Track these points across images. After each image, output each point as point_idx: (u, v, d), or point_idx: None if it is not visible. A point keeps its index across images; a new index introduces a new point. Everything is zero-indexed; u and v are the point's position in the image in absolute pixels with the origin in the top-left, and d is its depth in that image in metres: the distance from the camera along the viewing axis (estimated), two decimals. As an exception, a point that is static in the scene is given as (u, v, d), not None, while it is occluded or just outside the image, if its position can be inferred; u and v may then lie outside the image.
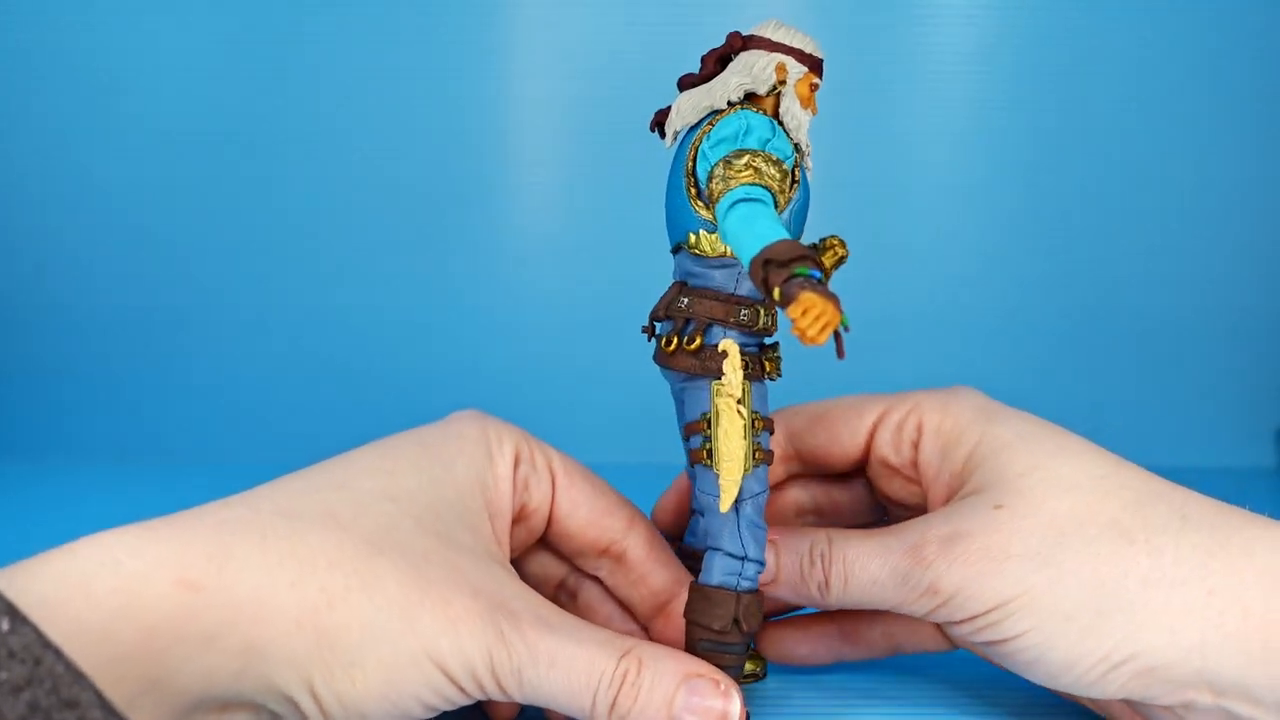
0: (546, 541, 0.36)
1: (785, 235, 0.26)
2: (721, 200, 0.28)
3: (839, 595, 0.34)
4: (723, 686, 0.30)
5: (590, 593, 0.37)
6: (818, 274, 0.25)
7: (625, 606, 0.37)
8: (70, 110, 0.79)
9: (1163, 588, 0.30)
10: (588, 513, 0.35)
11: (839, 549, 0.34)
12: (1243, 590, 0.29)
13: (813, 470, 0.40)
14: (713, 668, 0.31)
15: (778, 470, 0.40)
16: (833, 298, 0.24)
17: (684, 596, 0.34)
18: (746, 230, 0.27)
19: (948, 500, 0.35)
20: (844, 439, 0.38)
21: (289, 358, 0.81)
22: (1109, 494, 0.32)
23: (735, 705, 0.30)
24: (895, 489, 0.39)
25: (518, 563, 0.36)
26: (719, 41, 0.34)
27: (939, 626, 0.36)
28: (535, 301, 0.81)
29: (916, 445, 0.37)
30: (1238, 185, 0.79)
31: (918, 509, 0.38)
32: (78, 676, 0.20)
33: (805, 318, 0.24)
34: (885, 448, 0.38)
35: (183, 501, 0.30)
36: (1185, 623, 0.29)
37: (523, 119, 0.80)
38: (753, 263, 0.26)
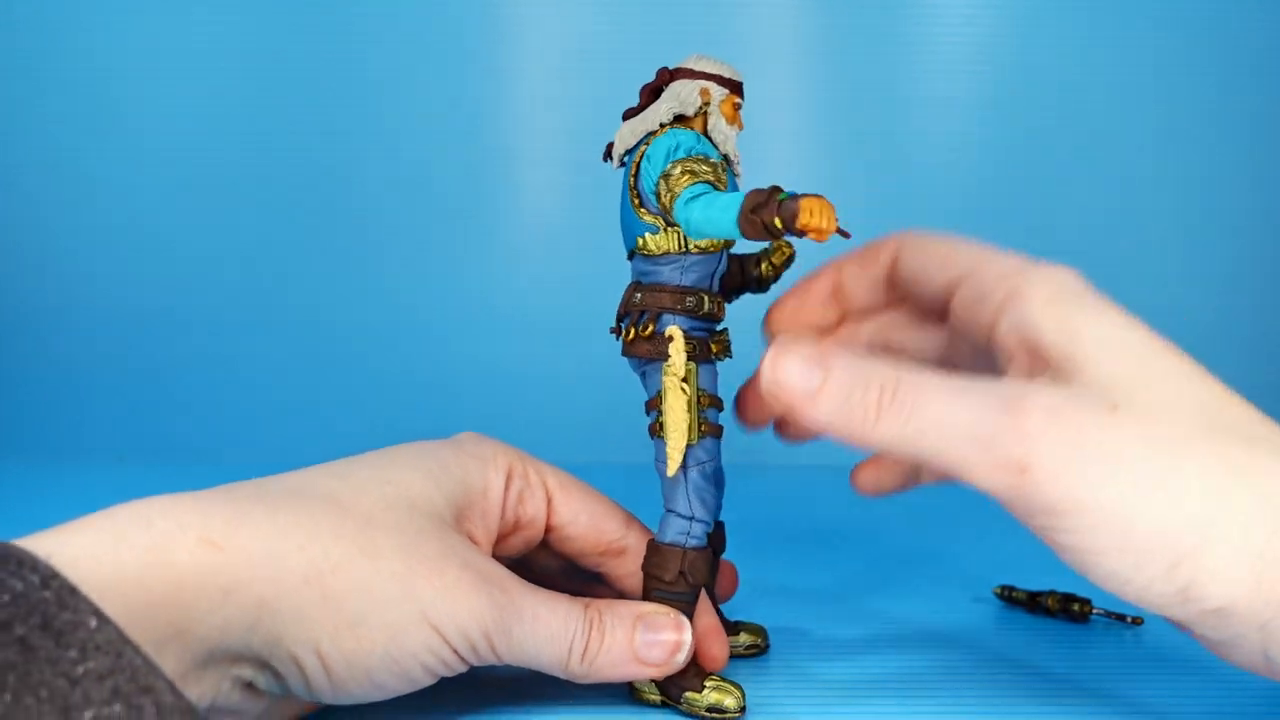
0: (546, 546, 0.39)
1: (742, 195, 0.30)
2: (674, 208, 0.33)
3: (889, 428, 0.30)
4: (673, 618, 0.34)
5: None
6: (793, 191, 0.29)
7: (630, 592, 0.39)
8: (72, 111, 0.79)
9: (1262, 532, 0.28)
10: (587, 520, 0.38)
11: (909, 379, 0.30)
12: None
13: (912, 295, 0.37)
14: (662, 606, 0.35)
15: (880, 290, 0.38)
16: (817, 194, 0.28)
17: None
18: (711, 211, 0.31)
19: (1029, 371, 0.32)
20: (934, 274, 0.35)
21: (289, 358, 0.81)
22: (1218, 427, 0.29)
23: (686, 634, 0.34)
24: (963, 346, 0.36)
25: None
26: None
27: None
28: (536, 300, 0.82)
29: (999, 310, 0.32)
30: (1239, 184, 0.79)
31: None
32: (152, 668, 0.22)
33: (813, 218, 0.28)
34: (969, 302, 0.33)
35: None
36: (1275, 572, 0.28)
37: (523, 119, 0.80)
38: (740, 223, 0.30)
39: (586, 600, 0.34)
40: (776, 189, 0.29)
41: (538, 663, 0.33)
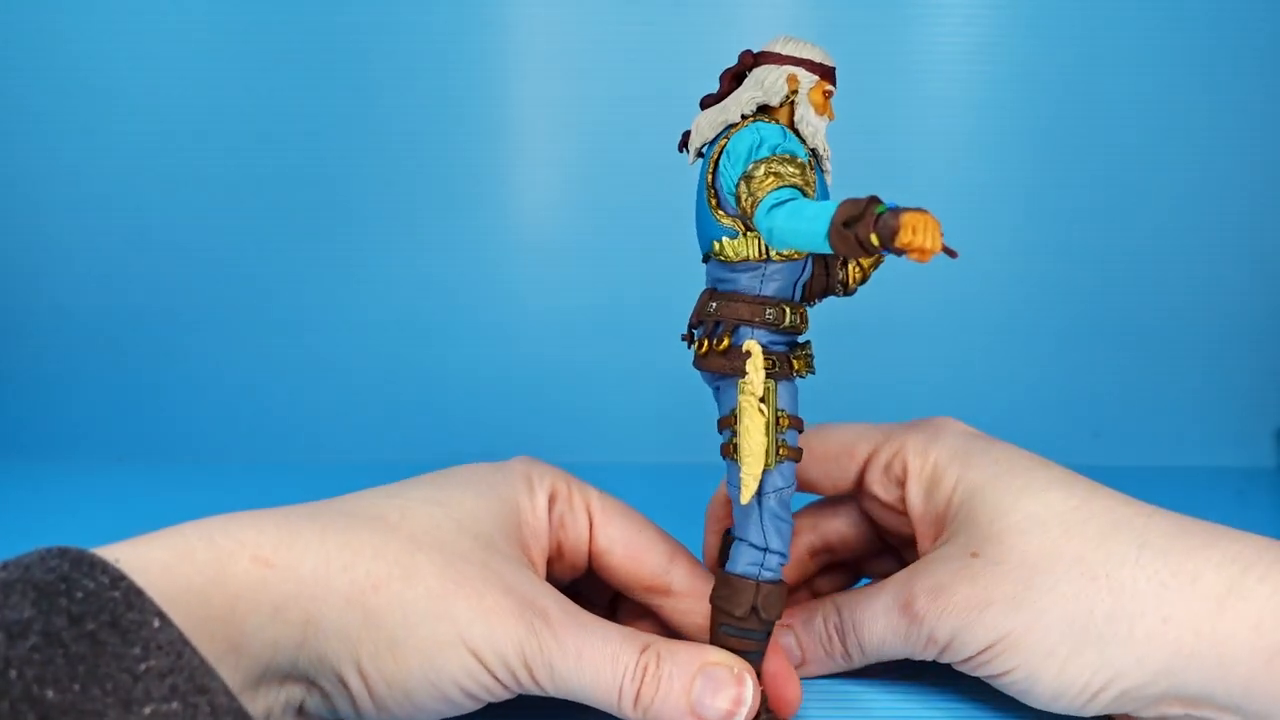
0: (591, 577, 0.39)
1: (833, 205, 0.27)
2: (756, 215, 0.30)
3: (860, 659, 0.38)
4: (736, 672, 0.32)
5: (625, 607, 0.40)
6: (893, 204, 0.26)
7: (680, 630, 0.38)
8: (70, 110, 0.79)
9: (1125, 621, 0.33)
10: (625, 549, 0.37)
11: (847, 618, 0.38)
12: (1192, 614, 0.32)
13: (810, 491, 0.43)
14: (727, 654, 0.33)
15: None
16: (921, 209, 0.25)
17: None
18: (799, 222, 0.28)
19: (935, 539, 0.38)
20: (835, 475, 0.41)
21: (289, 358, 0.81)
22: (1073, 529, 0.34)
23: (749, 690, 0.32)
24: (889, 521, 0.41)
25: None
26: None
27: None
28: (537, 301, 0.81)
29: (903, 485, 0.39)
30: (1238, 185, 0.79)
31: (910, 538, 0.41)
32: (209, 670, 0.24)
33: (916, 236, 0.25)
34: (875, 486, 0.40)
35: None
36: (1149, 650, 0.32)
37: (523, 119, 0.80)
38: (830, 237, 0.26)
39: (647, 640, 0.32)
40: (874, 200, 0.26)
41: (586, 700, 0.32)
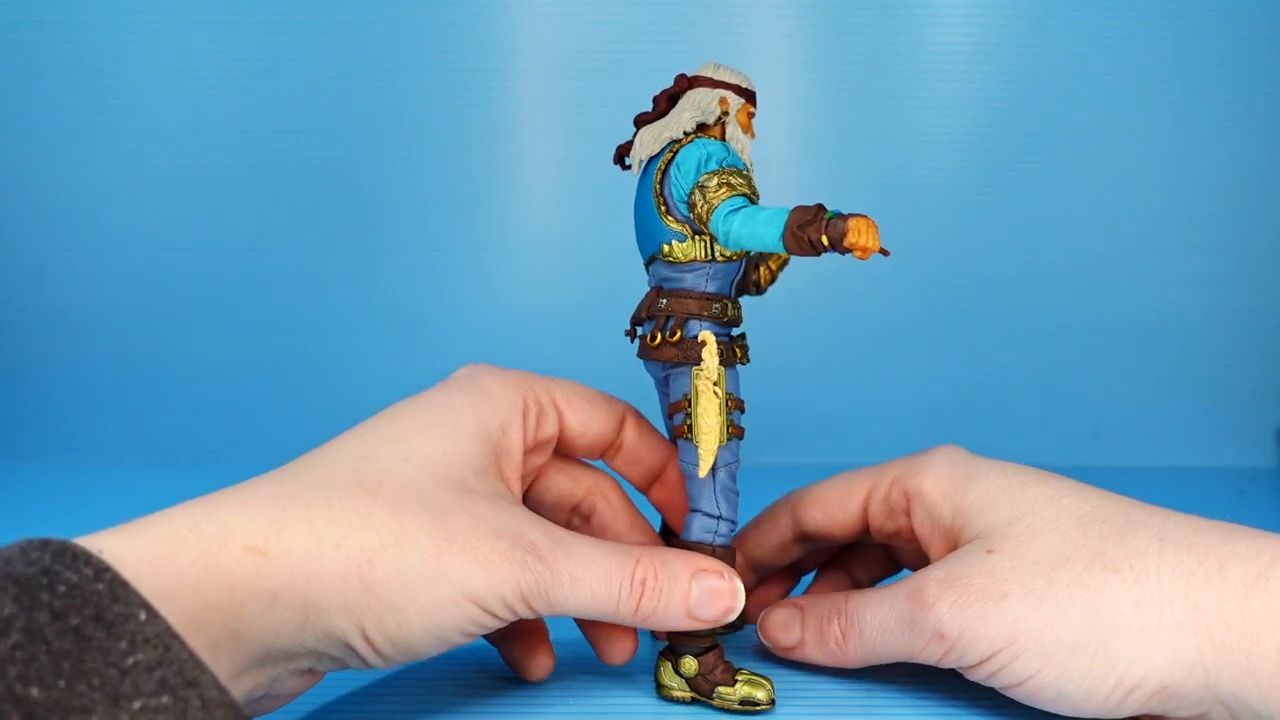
0: (555, 455, 0.40)
1: (786, 210, 0.32)
2: (712, 219, 0.34)
3: (855, 647, 0.38)
4: (726, 575, 0.35)
5: (603, 513, 0.41)
6: (837, 209, 0.31)
7: (626, 478, 0.42)
8: (70, 112, 0.79)
9: (1154, 608, 0.32)
10: (594, 432, 0.39)
11: (853, 605, 0.38)
12: (1221, 604, 0.31)
13: (824, 545, 0.44)
14: (715, 560, 0.36)
15: (793, 549, 0.43)
16: (863, 214, 0.31)
17: (674, 464, 0.40)
18: (754, 226, 0.32)
19: (948, 553, 0.38)
20: (840, 519, 0.41)
21: (289, 358, 0.81)
22: (1090, 528, 0.34)
23: (739, 589, 0.35)
24: (903, 554, 0.42)
25: (535, 490, 0.41)
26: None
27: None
28: (539, 301, 0.82)
29: (908, 513, 0.39)
30: (1239, 186, 0.79)
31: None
32: (198, 663, 0.23)
33: (861, 237, 0.30)
34: (880, 519, 0.40)
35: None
36: (1181, 639, 0.31)
37: (523, 119, 0.80)
38: (785, 238, 0.31)
39: (638, 554, 0.35)
40: (822, 207, 0.31)
41: (584, 615, 0.34)
